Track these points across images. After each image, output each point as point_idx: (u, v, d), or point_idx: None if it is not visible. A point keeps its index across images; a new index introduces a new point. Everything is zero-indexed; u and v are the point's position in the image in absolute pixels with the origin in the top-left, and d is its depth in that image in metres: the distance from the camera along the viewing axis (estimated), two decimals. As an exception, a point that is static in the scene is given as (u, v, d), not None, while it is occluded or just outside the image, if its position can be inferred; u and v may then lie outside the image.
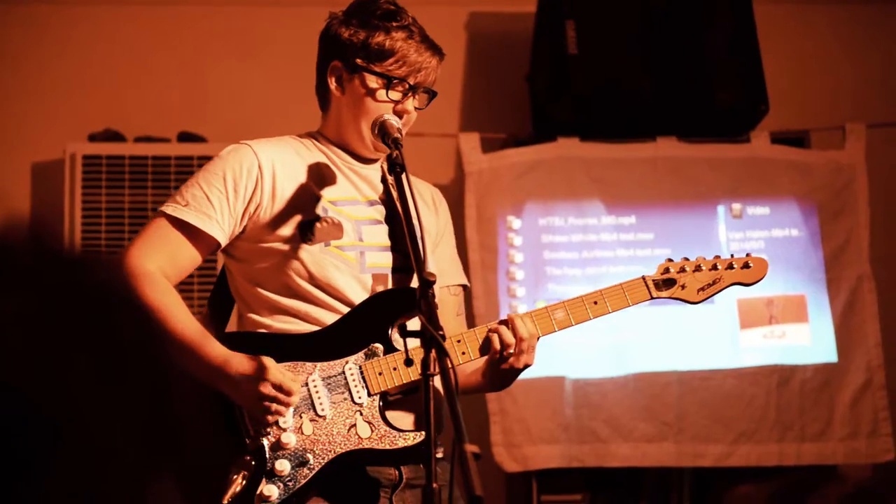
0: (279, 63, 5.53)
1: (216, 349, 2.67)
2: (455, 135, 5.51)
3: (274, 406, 2.64)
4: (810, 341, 5.28)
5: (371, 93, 2.82)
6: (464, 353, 2.78)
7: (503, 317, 4.72)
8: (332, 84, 2.87)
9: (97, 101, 5.58)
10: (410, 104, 2.85)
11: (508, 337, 2.77)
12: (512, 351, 2.78)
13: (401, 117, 2.83)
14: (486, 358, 2.83)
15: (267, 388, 2.61)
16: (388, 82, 2.81)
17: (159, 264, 2.74)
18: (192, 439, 1.01)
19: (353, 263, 2.80)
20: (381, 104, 2.82)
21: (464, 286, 3.09)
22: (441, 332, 2.32)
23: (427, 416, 2.30)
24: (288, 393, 2.63)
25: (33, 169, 5.57)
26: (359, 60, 2.82)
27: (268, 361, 2.63)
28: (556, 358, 5.06)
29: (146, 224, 2.83)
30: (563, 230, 5.30)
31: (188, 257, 2.78)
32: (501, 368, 2.81)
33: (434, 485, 2.23)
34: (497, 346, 2.77)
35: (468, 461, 2.07)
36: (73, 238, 5.20)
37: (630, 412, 5.17)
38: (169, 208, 2.77)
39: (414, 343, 2.48)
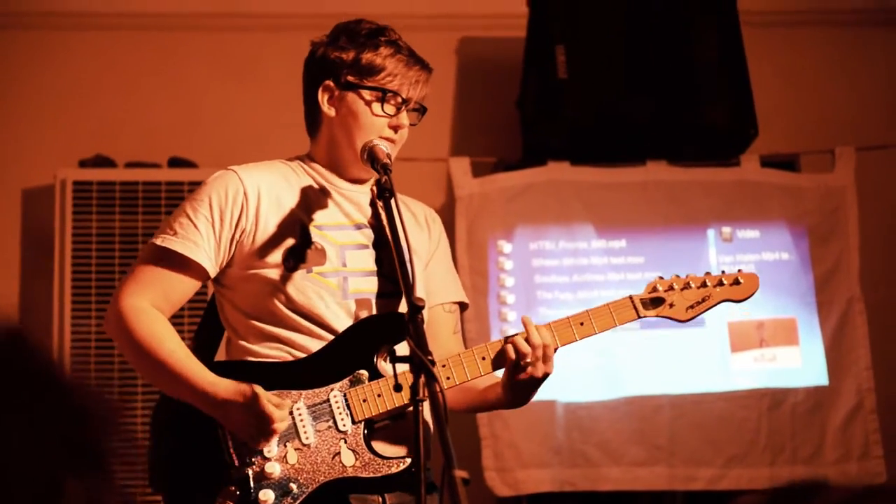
0: (269, 88, 5.54)
1: (205, 376, 2.68)
2: (445, 159, 5.52)
3: (260, 435, 2.64)
4: (801, 364, 5.28)
5: (365, 108, 2.83)
6: (448, 379, 2.78)
7: (493, 340, 4.71)
8: (325, 105, 2.87)
9: (87, 127, 5.58)
10: (405, 118, 2.86)
11: (524, 346, 2.78)
12: (529, 360, 2.78)
13: (396, 132, 2.84)
14: (503, 373, 2.83)
15: (254, 417, 2.62)
16: (383, 95, 2.82)
17: (151, 299, 2.75)
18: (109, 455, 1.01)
19: (334, 290, 2.80)
20: (376, 119, 2.83)
21: (462, 304, 3.10)
22: (430, 357, 2.32)
23: (416, 440, 2.29)
24: (276, 420, 2.63)
25: (24, 195, 5.56)
26: (351, 78, 2.84)
27: (257, 389, 2.63)
28: (547, 381, 5.03)
29: (138, 257, 2.85)
30: (553, 254, 5.30)
31: (180, 289, 2.79)
32: (521, 380, 2.81)
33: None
34: (513, 356, 2.78)
35: (457, 487, 2.07)
36: (64, 264, 5.19)
37: (621, 436, 5.16)
38: (158, 239, 2.78)
39: (403, 368, 2.48)
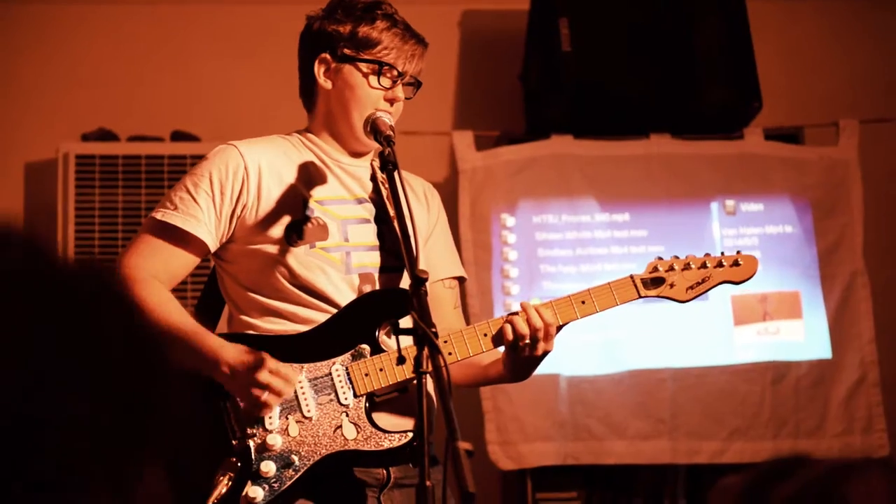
0: (272, 61, 5.51)
1: (210, 340, 2.68)
2: (449, 132, 5.51)
3: (265, 396, 2.63)
4: (804, 338, 5.28)
5: (362, 81, 2.84)
6: (450, 354, 2.77)
7: (497, 314, 4.73)
8: (321, 77, 2.88)
9: (90, 101, 5.57)
10: (400, 91, 2.86)
11: (522, 327, 2.78)
12: (528, 341, 2.79)
13: (391, 104, 2.85)
14: (503, 349, 2.84)
15: (263, 376, 2.61)
16: (380, 68, 2.83)
17: (151, 271, 2.75)
18: (176, 438, 1.01)
19: (337, 265, 2.80)
20: (372, 91, 2.84)
21: (460, 278, 3.09)
22: (434, 330, 2.32)
23: (420, 413, 2.30)
24: (285, 379, 2.62)
25: (26, 169, 5.56)
26: (347, 51, 2.85)
27: (263, 354, 2.63)
28: (550, 355, 5.03)
29: (138, 230, 2.85)
30: (556, 228, 5.29)
31: (180, 262, 2.80)
32: (521, 357, 2.82)
33: (427, 482, 2.23)
34: (510, 336, 2.78)
35: (461, 458, 2.07)
36: (67, 237, 5.19)
37: (624, 409, 5.16)
38: (158, 213, 2.79)
39: (406, 342, 2.48)
